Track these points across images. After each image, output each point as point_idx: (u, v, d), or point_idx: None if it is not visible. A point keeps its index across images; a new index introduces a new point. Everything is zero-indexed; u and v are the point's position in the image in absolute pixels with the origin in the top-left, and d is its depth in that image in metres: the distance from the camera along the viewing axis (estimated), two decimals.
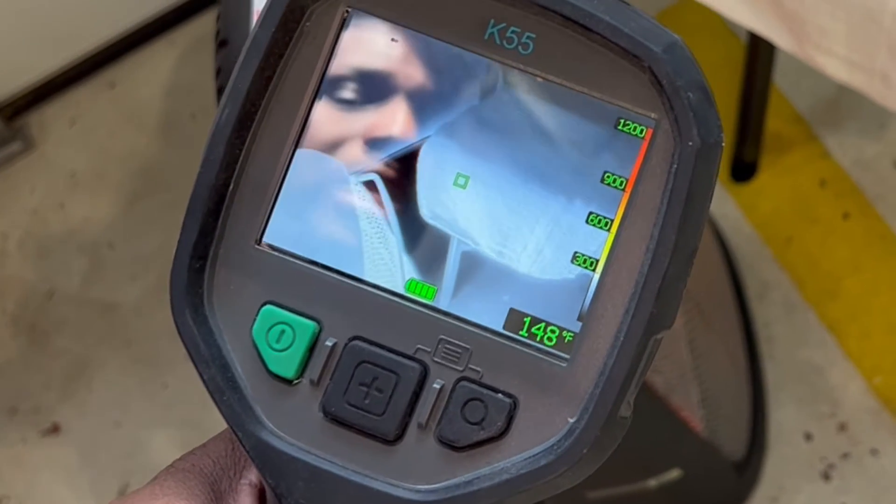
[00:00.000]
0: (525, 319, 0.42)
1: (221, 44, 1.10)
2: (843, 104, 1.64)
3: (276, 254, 0.43)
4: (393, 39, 0.43)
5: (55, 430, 1.64)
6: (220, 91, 1.10)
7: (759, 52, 1.47)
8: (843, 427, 1.50)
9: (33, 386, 1.66)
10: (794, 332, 1.54)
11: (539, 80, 0.42)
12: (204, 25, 1.83)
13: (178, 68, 1.83)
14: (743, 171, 1.62)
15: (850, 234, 1.58)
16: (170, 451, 1.59)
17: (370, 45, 0.43)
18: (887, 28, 1.10)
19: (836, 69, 1.18)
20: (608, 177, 0.42)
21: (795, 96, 1.66)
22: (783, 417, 1.50)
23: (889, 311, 1.54)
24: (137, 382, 1.65)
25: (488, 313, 0.42)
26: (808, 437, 1.50)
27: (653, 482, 1.33)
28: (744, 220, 1.60)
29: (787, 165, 1.62)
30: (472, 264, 0.42)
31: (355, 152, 0.43)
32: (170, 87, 1.82)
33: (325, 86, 0.44)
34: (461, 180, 0.42)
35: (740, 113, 1.57)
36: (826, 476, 1.48)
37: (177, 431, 1.61)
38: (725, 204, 1.60)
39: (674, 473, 1.34)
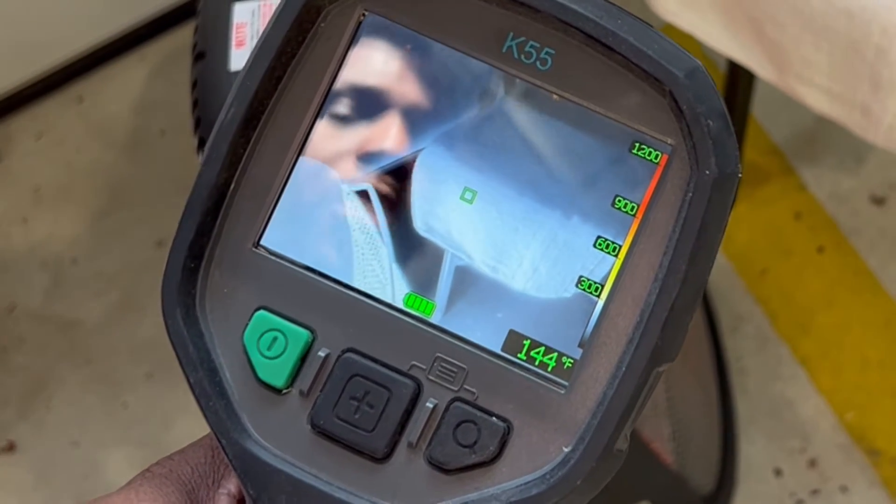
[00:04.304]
0: (524, 342, 0.41)
1: (198, 56, 1.09)
2: (821, 137, 1.65)
3: (273, 258, 0.42)
4: (408, 46, 0.42)
5: (11, 448, 1.61)
6: (195, 103, 1.09)
7: (737, 83, 1.47)
8: (813, 463, 1.49)
9: None
10: (766, 366, 1.54)
11: (555, 97, 0.41)
12: (175, 41, 1.82)
13: (147, 84, 1.82)
14: None
15: (824, 268, 1.58)
16: (128, 472, 1.57)
17: (384, 51, 0.42)
18: (870, 61, 1.10)
19: (817, 100, 1.18)
20: (619, 201, 0.41)
21: (773, 128, 1.66)
22: (753, 452, 1.50)
23: (861, 347, 1.54)
24: (97, 401, 1.62)
25: (487, 333, 0.41)
26: (778, 472, 1.49)
27: None
28: (718, 250, 1.60)
29: (762, 197, 1.62)
30: (467, 280, 0.41)
31: (355, 161, 0.43)
32: (139, 103, 1.81)
33: (335, 92, 0.43)
34: (468, 195, 0.42)
35: None
36: None
37: (136, 452, 1.59)
38: None
39: None
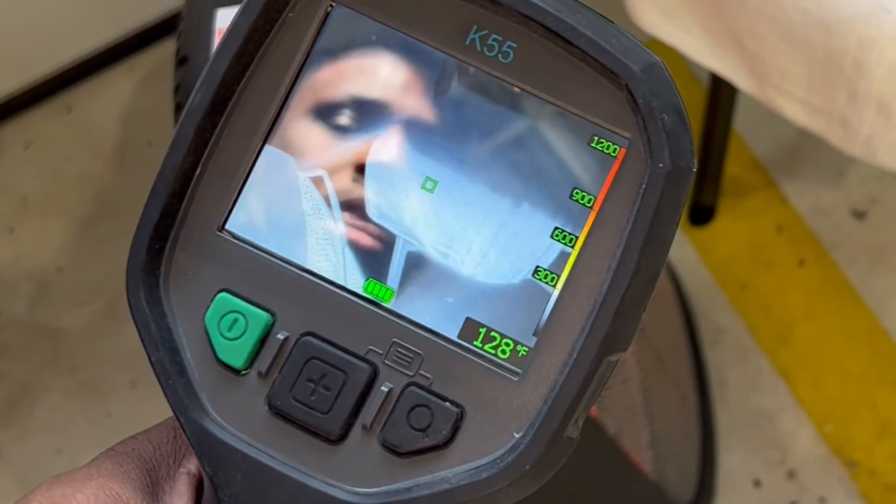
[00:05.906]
0: (481, 330, 0.42)
1: (181, 61, 1.10)
2: (802, 151, 1.65)
3: (236, 242, 0.43)
4: (373, 38, 0.43)
5: None
6: (178, 108, 1.09)
7: (720, 98, 1.48)
8: (792, 474, 1.49)
9: None
10: (746, 377, 1.54)
11: (516, 90, 0.42)
12: (163, 52, 1.83)
13: (136, 95, 1.82)
14: (700, 214, 1.63)
15: (805, 280, 1.59)
16: None
17: (349, 42, 0.43)
18: (847, 72, 1.11)
19: (796, 112, 1.19)
20: (577, 193, 0.41)
21: (755, 142, 1.67)
22: (732, 463, 1.50)
23: (841, 360, 1.54)
24: (81, 409, 1.62)
25: (444, 320, 0.42)
26: (757, 483, 1.49)
27: None
28: (700, 263, 1.60)
29: (744, 210, 1.63)
30: (420, 266, 0.42)
31: (315, 149, 0.43)
32: (127, 114, 1.81)
33: (301, 81, 0.43)
34: (429, 184, 0.42)
35: (700, 157, 1.58)
36: None
37: None
38: (682, 247, 1.61)
39: None
